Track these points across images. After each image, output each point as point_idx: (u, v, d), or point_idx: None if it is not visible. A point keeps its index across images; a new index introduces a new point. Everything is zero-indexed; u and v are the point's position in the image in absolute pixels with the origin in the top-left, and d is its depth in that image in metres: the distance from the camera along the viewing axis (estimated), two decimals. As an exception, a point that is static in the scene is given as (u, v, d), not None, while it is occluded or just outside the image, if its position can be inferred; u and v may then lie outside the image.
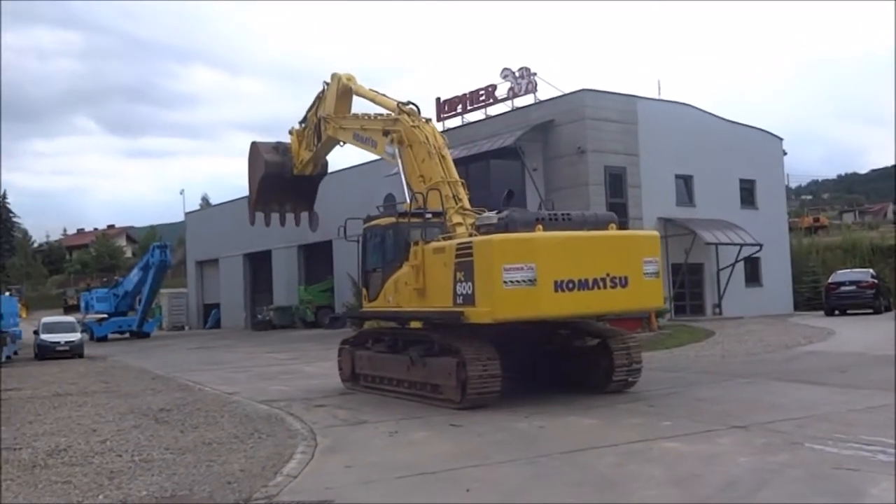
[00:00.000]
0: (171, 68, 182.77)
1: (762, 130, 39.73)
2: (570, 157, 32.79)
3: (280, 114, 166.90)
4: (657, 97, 37.18)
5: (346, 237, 18.20)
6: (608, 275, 13.96)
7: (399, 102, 18.08)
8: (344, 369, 18.29)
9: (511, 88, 35.83)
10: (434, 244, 15.14)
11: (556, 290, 13.49)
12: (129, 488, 9.19)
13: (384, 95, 18.99)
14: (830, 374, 16.47)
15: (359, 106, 20.24)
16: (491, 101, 36.81)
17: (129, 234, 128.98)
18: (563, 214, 14.83)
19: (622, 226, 31.76)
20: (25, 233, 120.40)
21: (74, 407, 16.97)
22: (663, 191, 34.66)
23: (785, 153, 41.06)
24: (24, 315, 65.05)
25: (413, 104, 18.01)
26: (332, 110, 20.10)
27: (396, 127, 17.62)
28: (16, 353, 36.89)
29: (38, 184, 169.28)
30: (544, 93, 35.33)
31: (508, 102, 36.29)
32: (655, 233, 15.48)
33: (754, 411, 12.48)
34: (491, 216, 14.80)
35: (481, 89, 37.02)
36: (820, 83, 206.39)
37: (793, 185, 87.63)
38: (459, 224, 15.94)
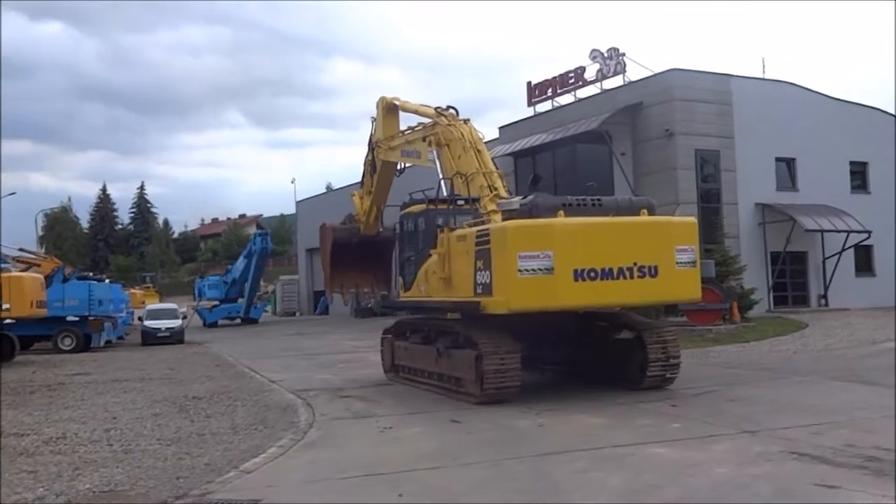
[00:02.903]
0: (313, 61, 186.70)
1: (877, 109, 36.96)
2: (659, 140, 31.36)
3: (419, 101, 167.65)
4: (759, 76, 35.19)
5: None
6: (636, 264, 13.06)
7: (437, 108, 17.94)
8: (385, 360, 18.03)
9: (600, 70, 34.65)
10: (458, 231, 14.62)
11: (575, 280, 12.72)
12: (81, 481, 9.10)
13: (427, 106, 18.83)
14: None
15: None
16: (580, 83, 35.71)
17: (259, 222, 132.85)
18: (592, 199, 13.99)
19: (714, 212, 30.73)
20: (166, 222, 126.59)
21: (119, 393, 17.33)
22: (762, 175, 32.65)
23: (903, 132, 38.11)
24: (156, 301, 68.38)
25: (453, 108, 17.81)
26: (382, 134, 20.02)
27: (434, 130, 17.47)
28: (121, 337, 38.49)
29: (188, 175, 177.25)
30: (635, 73, 34.03)
31: (598, 85, 35.11)
32: (692, 219, 14.38)
33: (780, 414, 11.42)
34: (513, 201, 14.16)
35: (570, 72, 35.98)
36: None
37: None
38: (494, 212, 15.32)
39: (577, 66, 35.76)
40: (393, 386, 16.70)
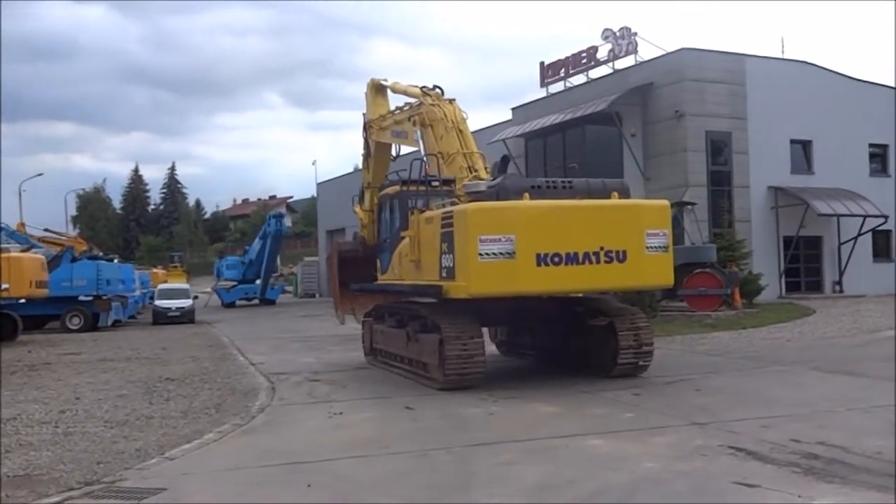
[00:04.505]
0: (354, 43, 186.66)
1: (897, 89, 35.95)
2: (669, 121, 30.72)
3: (459, 84, 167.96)
4: (777, 56, 34.31)
5: (363, 206, 17.75)
6: (602, 248, 12.64)
7: (423, 87, 17.71)
8: (365, 343, 17.83)
9: (612, 50, 34.02)
10: (427, 214, 14.26)
11: (538, 265, 12.33)
12: (3, 464, 8.95)
13: (415, 86, 18.58)
14: (879, 365, 14.43)
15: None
16: (593, 63, 35.11)
17: (290, 204, 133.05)
18: (563, 182, 13.61)
19: (726, 195, 30.02)
20: (198, 203, 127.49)
21: (98, 373, 17.31)
22: (775, 157, 31.87)
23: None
24: (183, 281, 69.21)
25: (439, 87, 17.60)
26: (373, 114, 19.83)
27: (420, 110, 17.28)
28: (133, 316, 38.69)
29: (226, 156, 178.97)
30: (648, 53, 33.42)
31: (610, 65, 34.51)
32: (664, 202, 13.88)
33: (739, 406, 11.00)
34: (479, 183, 13.83)
35: (583, 52, 35.39)
36: None
37: None
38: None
39: (589, 45, 35.21)
40: (368, 370, 16.47)
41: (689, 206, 27.91)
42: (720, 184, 30.96)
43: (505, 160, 15.11)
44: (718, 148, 31.15)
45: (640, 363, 13.91)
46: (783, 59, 33.75)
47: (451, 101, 17.68)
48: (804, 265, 33.30)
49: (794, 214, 31.53)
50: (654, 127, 31.57)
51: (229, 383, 15.09)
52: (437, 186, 15.69)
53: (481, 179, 15.48)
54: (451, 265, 12.84)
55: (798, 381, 13.14)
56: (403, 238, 15.20)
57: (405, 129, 18.49)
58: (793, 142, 32.58)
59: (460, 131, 16.85)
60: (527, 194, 12.76)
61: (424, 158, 16.99)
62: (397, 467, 8.31)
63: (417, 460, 8.57)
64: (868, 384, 12.54)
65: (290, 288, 67.22)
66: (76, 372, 17.58)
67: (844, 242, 32.71)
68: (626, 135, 31.75)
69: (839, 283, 33.02)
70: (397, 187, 16.08)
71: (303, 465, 8.51)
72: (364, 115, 20.67)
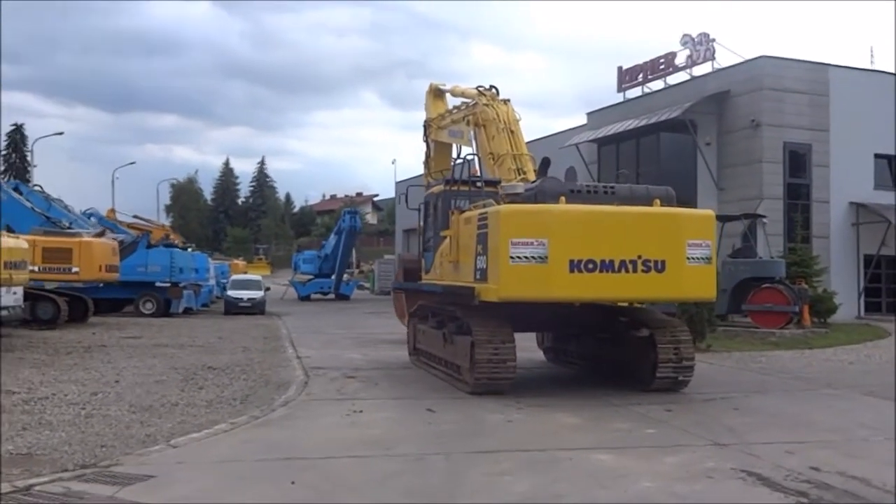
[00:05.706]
0: (451, 44, 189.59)
1: None
2: (745, 131, 29.80)
3: (556, 88, 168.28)
4: (863, 66, 32.98)
5: (409, 205, 17.72)
6: (640, 257, 12.21)
7: (479, 87, 17.82)
8: (409, 343, 17.71)
9: (689, 56, 33.19)
10: (466, 214, 14.08)
11: (571, 271, 11.99)
12: (13, 442, 9.14)
13: (472, 88, 18.83)
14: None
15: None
16: (670, 69, 34.34)
17: (376, 202, 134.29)
18: (604, 187, 13.25)
19: (804, 209, 28.92)
20: (287, 197, 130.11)
21: (148, 358, 17.63)
22: (859, 172, 30.60)
23: None
24: (267, 272, 70.47)
25: (494, 87, 17.74)
26: (432, 114, 20.35)
27: (474, 110, 17.45)
28: (206, 305, 39.44)
29: (322, 153, 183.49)
30: (726, 60, 32.47)
31: (688, 71, 33.70)
32: (709, 212, 13.35)
33: (771, 428, 10.49)
34: (517, 185, 13.60)
35: (661, 57, 34.64)
36: None
37: None
38: (511, 196, 14.78)
39: (667, 51, 34.50)
40: (408, 370, 16.34)
41: (763, 220, 27.01)
42: (797, 197, 29.91)
43: (545, 163, 14.80)
44: (797, 160, 30.08)
45: (680, 378, 13.41)
46: (870, 70, 32.45)
47: (506, 101, 17.65)
48: (885, 285, 31.88)
49: (877, 232, 30.22)
50: (729, 136, 30.68)
51: (267, 375, 15.17)
52: (480, 187, 15.51)
53: (528, 181, 15.27)
54: (485, 267, 12.63)
55: (844, 407, 12.48)
56: (445, 238, 15.06)
57: (461, 129, 18.61)
58: (877, 156, 31.24)
59: (512, 132, 16.81)
60: (563, 198, 12.46)
61: (469, 158, 16.88)
62: (388, 470, 8.14)
63: (411, 464, 8.40)
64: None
65: (366, 284, 67.70)
66: (127, 356, 17.93)
67: (930, 263, 31.23)
68: (700, 143, 30.96)
69: (922, 304, 31.55)
70: (442, 187, 15.94)
71: (299, 461, 8.42)
72: (424, 123, 20.97)
